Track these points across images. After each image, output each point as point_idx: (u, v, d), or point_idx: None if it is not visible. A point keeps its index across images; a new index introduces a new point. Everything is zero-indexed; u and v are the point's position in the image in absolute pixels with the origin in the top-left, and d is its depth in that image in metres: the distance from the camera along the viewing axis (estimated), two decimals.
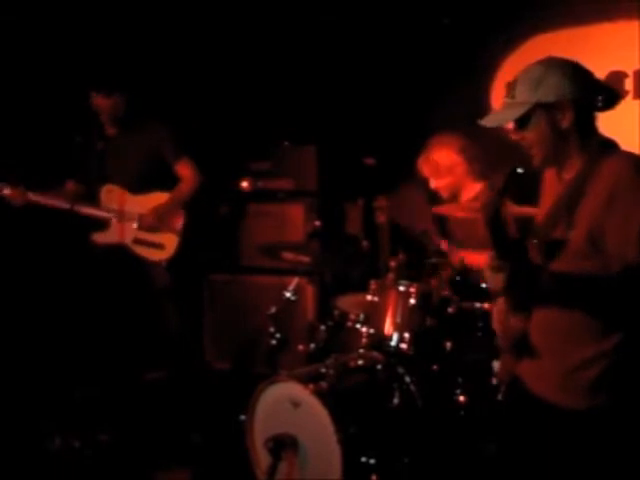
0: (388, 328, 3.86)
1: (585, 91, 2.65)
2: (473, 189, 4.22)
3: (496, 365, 3.34)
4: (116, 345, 4.81)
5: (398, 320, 3.84)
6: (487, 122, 2.75)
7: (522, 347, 2.75)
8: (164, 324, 4.80)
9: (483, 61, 5.18)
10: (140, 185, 4.77)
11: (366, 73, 5.37)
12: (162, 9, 5.37)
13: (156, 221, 4.70)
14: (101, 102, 4.71)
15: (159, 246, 4.73)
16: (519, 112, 2.65)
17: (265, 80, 5.56)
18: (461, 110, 4.91)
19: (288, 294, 4.20)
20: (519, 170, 2.62)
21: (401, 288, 3.91)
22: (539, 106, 2.64)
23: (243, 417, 3.59)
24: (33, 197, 4.68)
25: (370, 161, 4.67)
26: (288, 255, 4.38)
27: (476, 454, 3.49)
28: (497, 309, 2.83)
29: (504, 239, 2.63)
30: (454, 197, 4.28)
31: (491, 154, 4.25)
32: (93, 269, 4.84)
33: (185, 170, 4.79)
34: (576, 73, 2.65)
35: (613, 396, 2.63)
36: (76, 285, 4.97)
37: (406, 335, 3.80)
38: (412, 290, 3.88)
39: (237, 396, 3.82)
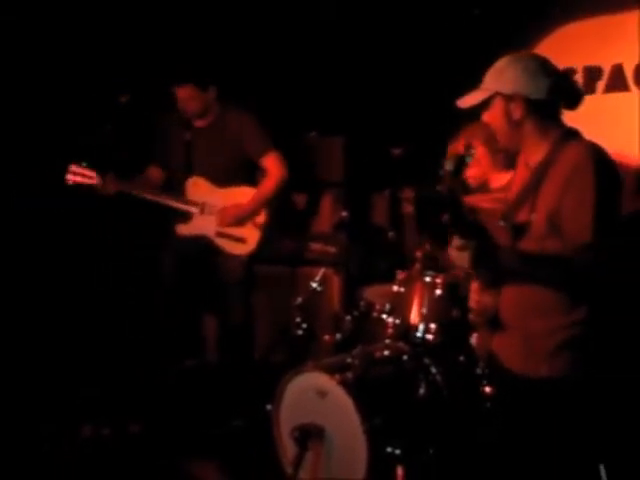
0: (414, 319, 3.90)
1: (539, 89, 2.93)
2: (500, 179, 4.23)
3: (473, 340, 3.45)
4: (152, 334, 4.98)
5: (424, 311, 3.88)
6: (460, 103, 3.09)
7: (494, 322, 3.03)
8: (230, 317, 4.94)
9: (513, 50, 5.14)
10: (226, 178, 4.91)
11: (395, 63, 5.43)
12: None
13: (235, 218, 4.83)
14: (179, 93, 4.82)
15: (241, 240, 4.85)
16: (480, 97, 3.02)
17: (291, 70, 5.62)
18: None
19: (314, 284, 4.31)
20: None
21: (427, 279, 3.95)
22: (499, 95, 2.97)
23: (269, 407, 3.66)
24: (124, 186, 4.77)
25: (397, 152, 4.79)
26: (315, 245, 4.57)
27: (500, 445, 3.45)
28: (472, 288, 3.12)
29: (463, 218, 2.90)
30: (483, 187, 4.31)
31: None
32: (166, 255, 4.97)
33: (270, 165, 4.88)
34: (537, 70, 2.93)
35: (572, 365, 2.85)
36: (148, 271, 5.11)
37: (432, 326, 3.84)
38: (438, 281, 3.93)
39: (263, 386, 3.88)
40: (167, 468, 4.03)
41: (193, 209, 4.87)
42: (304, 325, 4.23)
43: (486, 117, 3.06)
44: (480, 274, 3.00)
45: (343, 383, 3.44)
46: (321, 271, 4.39)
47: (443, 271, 4.00)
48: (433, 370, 3.70)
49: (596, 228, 2.74)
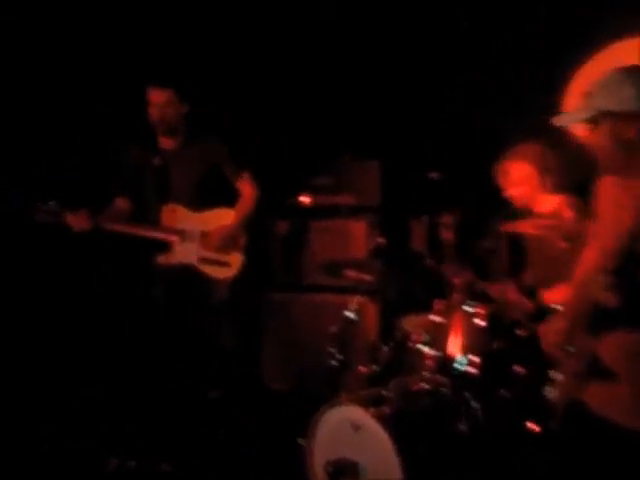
0: (454, 350, 3.85)
1: None
2: (546, 201, 4.19)
3: (550, 390, 3.22)
4: (177, 364, 4.83)
5: (465, 342, 3.84)
6: (558, 121, 2.87)
7: (590, 369, 2.77)
8: (219, 340, 4.80)
9: (558, 70, 5.10)
10: (201, 201, 4.78)
11: (433, 85, 5.39)
12: (222, 18, 5.47)
13: (222, 240, 4.72)
14: (156, 98, 4.65)
15: (225, 264, 4.74)
16: (586, 115, 2.76)
17: (326, 92, 5.59)
18: (534, 120, 4.81)
19: (350, 313, 4.22)
20: None
21: (468, 309, 3.91)
22: (608, 113, 2.72)
23: (302, 440, 3.61)
24: (99, 221, 4.61)
25: (435, 175, 4.66)
26: (350, 273, 4.38)
27: None
28: (552, 329, 2.88)
29: None
30: (526, 208, 4.25)
31: (569, 165, 4.20)
32: (154, 288, 4.83)
33: (246, 186, 4.81)
34: None
35: None
36: (137, 303, 5.01)
37: (473, 358, 3.78)
38: (479, 311, 3.89)
39: (296, 418, 3.83)
40: None
41: (173, 237, 4.76)
42: (339, 355, 4.13)
43: (591, 140, 2.82)
44: (589, 316, 2.79)
45: (378, 417, 3.40)
46: (356, 299, 4.30)
47: (484, 301, 3.95)
48: (474, 405, 3.64)
49: None
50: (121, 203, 4.86)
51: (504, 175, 4.26)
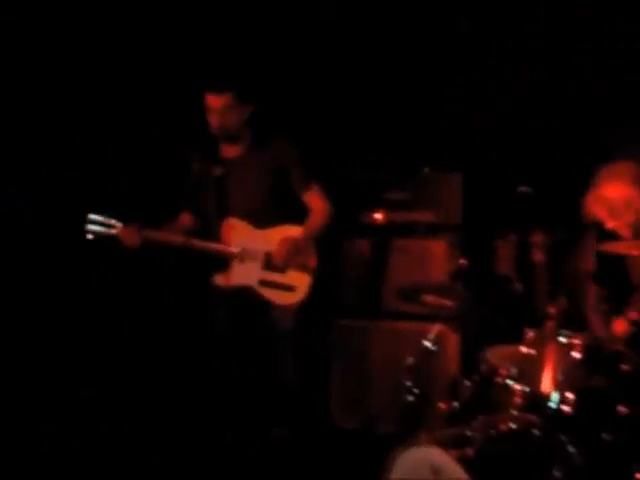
0: (547, 386, 3.60)
1: None
2: None
3: None
4: (236, 399, 4.62)
5: (559, 377, 3.58)
6: None
7: None
8: (282, 374, 4.58)
9: None
10: (265, 216, 4.51)
11: (520, 92, 5.15)
12: (291, 26, 5.34)
13: (287, 260, 4.42)
14: (214, 103, 4.38)
15: (289, 288, 4.45)
16: None
17: (402, 100, 5.37)
18: (633, 132, 4.58)
19: (428, 343, 4.02)
20: None
21: (562, 339, 3.66)
22: None
23: None
24: (149, 235, 4.41)
25: (524, 189, 4.46)
26: (428, 298, 4.14)
27: None
28: None
29: None
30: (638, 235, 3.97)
31: None
32: (213, 313, 4.61)
33: (316, 200, 4.51)
34: None
35: None
36: (196, 330, 4.89)
37: (569, 395, 3.50)
38: (576, 342, 3.64)
39: (368, 459, 3.75)
40: None
41: (231, 255, 4.48)
42: (416, 390, 3.92)
43: None
44: None
45: (462, 460, 3.18)
46: (436, 328, 4.09)
47: (582, 330, 3.73)
48: (570, 449, 3.32)
49: None
50: (184, 219, 4.63)
51: (600, 203, 3.94)
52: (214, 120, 4.38)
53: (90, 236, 4.43)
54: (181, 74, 5.15)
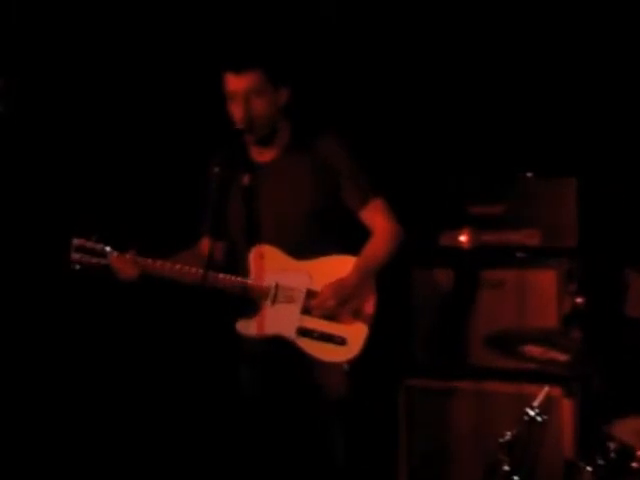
0: None
1: None
2: None
3: None
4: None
5: None
6: None
7: None
8: (329, 457, 3.76)
9: None
10: (308, 242, 3.69)
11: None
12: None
13: (335, 308, 3.59)
14: (235, 85, 3.55)
15: (339, 340, 3.62)
16: None
17: (494, 86, 4.67)
18: None
19: (532, 412, 3.35)
20: None
21: None
22: None
23: None
24: (151, 267, 3.69)
25: None
26: (532, 349, 3.38)
27: None
28: None
29: None
30: None
31: None
32: (236, 372, 3.88)
33: (378, 218, 3.67)
34: None
35: None
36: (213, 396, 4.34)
37: None
38: None
39: None
40: None
41: (262, 294, 3.67)
42: (515, 478, 3.25)
43: None
44: None
45: None
46: (543, 391, 3.41)
47: None
48: None
49: None
50: (203, 245, 3.81)
51: None
52: (237, 110, 3.54)
53: (76, 266, 3.75)
54: (192, 51, 4.53)
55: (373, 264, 3.62)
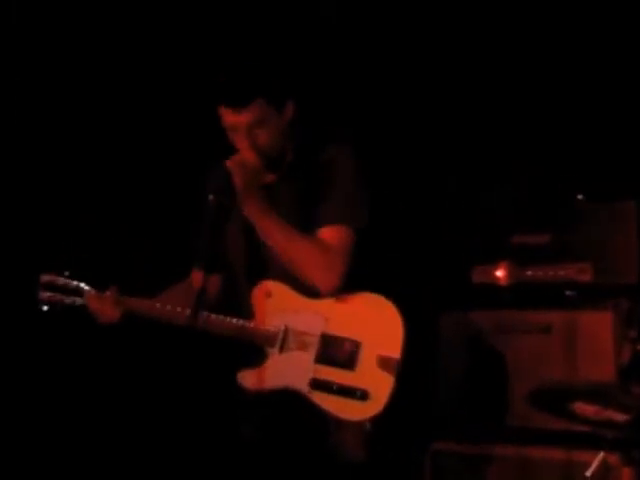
0: None
1: None
2: None
3: None
4: None
5: None
6: None
7: None
8: None
9: None
10: None
11: None
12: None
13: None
14: (235, 120, 3.23)
15: (360, 394, 3.21)
16: None
17: (540, 96, 4.22)
18: None
19: None
20: None
21: None
22: None
23: None
24: (135, 306, 3.37)
25: None
26: (583, 407, 2.97)
27: None
28: None
29: None
30: None
31: None
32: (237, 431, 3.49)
33: (333, 242, 3.28)
34: None
35: None
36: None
37: None
38: None
39: None
40: None
41: (267, 340, 3.29)
42: None
43: None
44: None
45: None
46: (599, 457, 3.09)
47: None
48: None
49: None
50: (197, 281, 3.31)
51: None
52: (241, 143, 3.25)
53: (44, 307, 3.48)
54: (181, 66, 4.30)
55: (281, 228, 3.16)
